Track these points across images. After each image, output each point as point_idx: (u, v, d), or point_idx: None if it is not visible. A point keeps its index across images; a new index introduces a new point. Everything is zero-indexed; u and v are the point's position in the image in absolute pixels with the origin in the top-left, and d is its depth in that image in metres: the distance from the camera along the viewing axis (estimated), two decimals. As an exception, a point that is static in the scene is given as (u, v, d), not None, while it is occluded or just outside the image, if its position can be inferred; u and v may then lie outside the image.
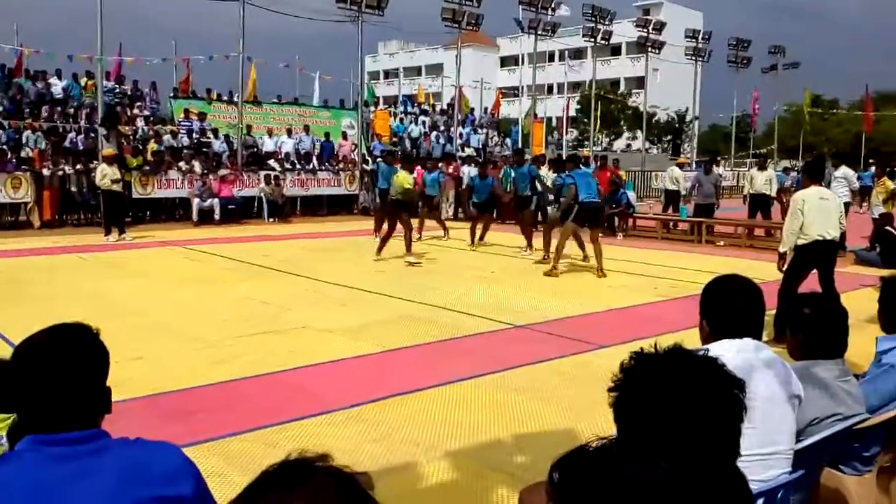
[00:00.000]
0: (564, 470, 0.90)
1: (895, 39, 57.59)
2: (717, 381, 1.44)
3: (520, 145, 28.41)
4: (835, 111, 50.41)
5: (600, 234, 10.85)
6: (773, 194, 15.38)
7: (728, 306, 2.47)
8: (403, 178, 11.19)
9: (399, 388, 5.27)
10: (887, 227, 12.00)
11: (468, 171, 19.70)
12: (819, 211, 6.58)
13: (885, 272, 9.30)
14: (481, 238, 13.62)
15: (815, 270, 6.78)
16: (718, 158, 24.93)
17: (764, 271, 8.47)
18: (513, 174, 13.97)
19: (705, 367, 1.46)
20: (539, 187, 13.24)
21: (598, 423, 4.57)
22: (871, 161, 15.65)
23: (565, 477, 0.90)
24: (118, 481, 1.53)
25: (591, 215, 10.43)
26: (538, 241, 12.33)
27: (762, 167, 16.58)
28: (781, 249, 6.85)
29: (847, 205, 12.57)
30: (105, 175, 13.86)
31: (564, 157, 13.03)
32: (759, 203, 15.53)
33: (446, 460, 4.08)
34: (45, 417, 1.58)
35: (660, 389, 1.39)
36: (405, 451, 4.19)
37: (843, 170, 13.90)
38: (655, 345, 1.50)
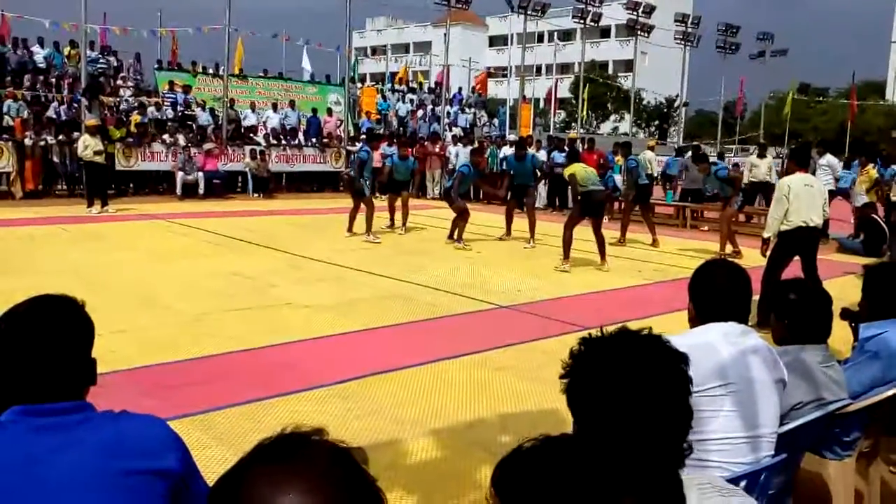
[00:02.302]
0: (501, 471, 0.93)
1: (885, 28, 57.84)
2: (662, 357, 1.48)
3: (507, 126, 28.37)
4: (821, 99, 50.63)
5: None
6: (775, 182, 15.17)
7: (714, 289, 2.50)
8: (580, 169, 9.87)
9: (383, 366, 5.27)
10: (873, 216, 12.10)
11: (454, 151, 19.61)
12: (804, 197, 6.62)
13: (868, 260, 9.41)
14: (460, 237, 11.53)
15: (797, 257, 6.85)
16: (699, 145, 24.83)
17: (747, 257, 8.53)
18: (506, 161, 13.00)
19: (649, 345, 1.50)
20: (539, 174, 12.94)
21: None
22: (859, 159, 15.75)
23: (501, 477, 0.92)
24: (103, 453, 1.52)
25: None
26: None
27: (762, 154, 16.25)
28: (765, 235, 6.90)
29: (831, 192, 12.64)
30: (87, 146, 13.66)
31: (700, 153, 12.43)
32: (761, 190, 15.44)
33: (430, 437, 4.10)
34: (31, 388, 1.56)
35: (605, 371, 1.43)
36: (389, 428, 4.19)
37: (828, 158, 13.97)
38: (601, 329, 1.52)
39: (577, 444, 0.92)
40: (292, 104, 21.67)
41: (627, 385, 1.40)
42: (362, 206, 11.73)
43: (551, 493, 0.87)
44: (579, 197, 9.82)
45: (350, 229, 11.92)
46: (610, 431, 1.38)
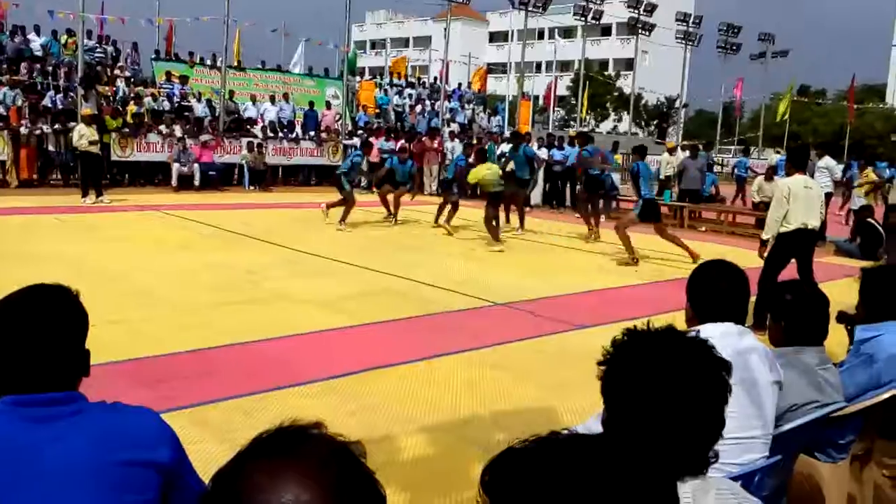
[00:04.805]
0: (490, 473, 0.92)
1: (886, 31, 57.98)
2: (706, 361, 1.48)
3: (506, 122, 28.33)
4: (820, 101, 50.65)
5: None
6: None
7: (712, 290, 2.50)
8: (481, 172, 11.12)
9: (377, 362, 5.26)
10: (870, 219, 12.10)
11: (450, 147, 19.58)
12: (803, 200, 6.62)
13: (864, 263, 9.40)
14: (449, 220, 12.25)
15: (793, 259, 6.85)
16: (698, 144, 24.82)
17: (745, 258, 8.48)
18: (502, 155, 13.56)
19: (695, 347, 1.51)
20: (535, 166, 13.18)
21: (575, 402, 4.59)
22: (859, 162, 15.71)
23: (491, 479, 0.91)
24: (95, 444, 1.51)
25: (653, 211, 10.25)
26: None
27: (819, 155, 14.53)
28: (764, 237, 6.88)
29: (829, 195, 12.66)
30: (82, 136, 13.59)
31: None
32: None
33: (423, 434, 4.08)
34: (23, 378, 1.55)
35: (649, 366, 1.43)
36: (382, 424, 4.18)
37: (826, 160, 14.00)
38: (648, 323, 1.53)
39: (569, 445, 0.91)
40: (286, 97, 21.58)
41: (669, 385, 1.41)
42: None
43: (542, 495, 0.86)
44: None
45: (342, 220, 12.25)
46: (641, 427, 1.40)
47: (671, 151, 17.89)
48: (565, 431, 0.95)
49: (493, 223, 10.85)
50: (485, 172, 11.08)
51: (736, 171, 21.15)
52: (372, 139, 19.32)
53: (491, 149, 18.99)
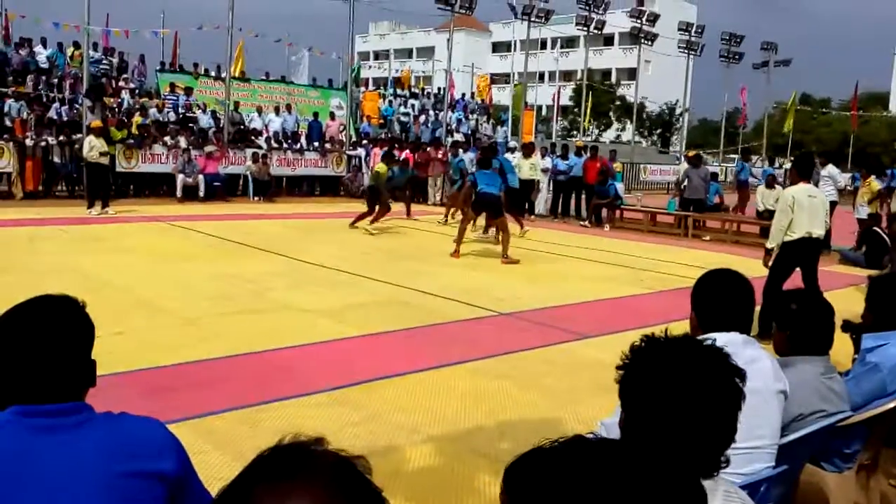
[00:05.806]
0: (515, 472, 0.91)
1: (889, 39, 58.10)
2: (721, 368, 1.53)
3: (509, 132, 28.38)
4: (824, 110, 50.59)
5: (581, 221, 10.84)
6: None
7: (717, 299, 2.49)
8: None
9: (381, 372, 5.25)
10: (875, 228, 12.07)
11: (464, 158, 19.59)
12: (808, 209, 6.61)
13: (869, 272, 9.40)
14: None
15: (798, 268, 6.83)
16: (700, 154, 24.74)
17: (749, 267, 8.48)
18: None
19: (711, 354, 1.56)
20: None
21: (581, 411, 4.59)
22: (860, 171, 15.68)
23: (516, 479, 0.91)
24: (101, 455, 1.51)
25: (486, 206, 11.06)
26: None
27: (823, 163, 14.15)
28: (769, 245, 6.87)
29: (833, 203, 12.63)
30: (93, 147, 13.66)
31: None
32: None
33: (429, 444, 4.07)
34: (30, 388, 1.55)
35: (666, 371, 1.48)
36: (387, 435, 4.17)
37: (830, 169, 13.98)
38: (666, 331, 1.58)
39: (598, 447, 0.91)
40: (289, 108, 21.66)
41: (685, 390, 1.45)
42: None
43: (572, 495, 0.86)
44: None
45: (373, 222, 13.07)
46: (657, 429, 1.44)
47: (688, 159, 17.77)
48: (590, 435, 0.95)
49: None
50: (380, 167, 13.66)
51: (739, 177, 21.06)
52: (375, 149, 19.41)
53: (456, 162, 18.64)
